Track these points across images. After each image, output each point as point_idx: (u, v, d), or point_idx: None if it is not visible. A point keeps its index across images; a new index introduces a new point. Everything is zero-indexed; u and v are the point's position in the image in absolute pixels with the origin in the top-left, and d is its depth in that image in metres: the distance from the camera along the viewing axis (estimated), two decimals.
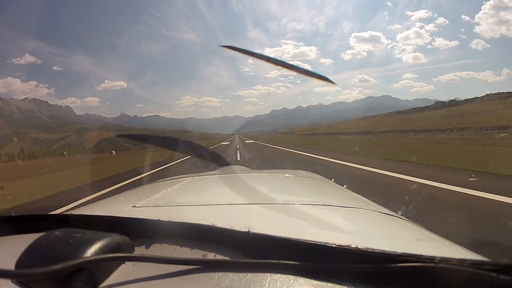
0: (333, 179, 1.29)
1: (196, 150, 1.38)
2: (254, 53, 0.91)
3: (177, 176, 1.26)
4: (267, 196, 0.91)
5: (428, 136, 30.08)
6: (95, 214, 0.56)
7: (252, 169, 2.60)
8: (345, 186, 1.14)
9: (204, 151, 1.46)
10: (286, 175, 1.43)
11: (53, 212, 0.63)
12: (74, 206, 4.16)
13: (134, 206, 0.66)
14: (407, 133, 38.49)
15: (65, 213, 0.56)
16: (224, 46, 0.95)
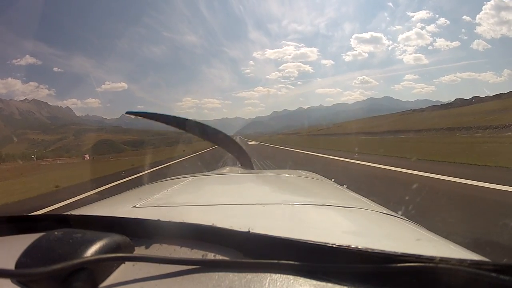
0: (333, 179, 1.26)
1: (209, 134, 1.39)
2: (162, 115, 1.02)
3: (177, 176, 1.26)
4: (267, 196, 0.91)
5: (495, 134, 24.50)
6: (95, 214, 0.56)
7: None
8: (345, 186, 1.12)
9: (223, 138, 1.50)
10: (286, 175, 1.43)
11: (52, 213, 0.54)
12: None
13: (134, 206, 0.66)
14: (456, 131, 32.95)
15: (65, 213, 0.57)
16: (130, 113, 1.14)
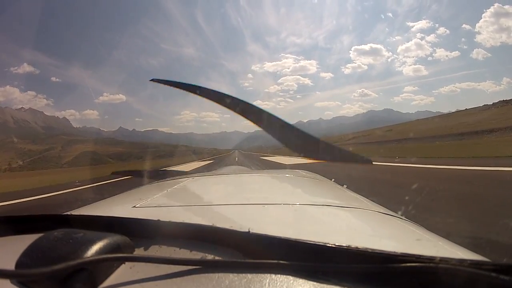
0: (333, 179, 1.25)
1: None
2: (193, 86, 0.78)
3: (177, 176, 1.26)
4: (267, 196, 0.91)
5: None
6: (95, 214, 0.56)
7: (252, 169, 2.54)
8: (345, 186, 1.12)
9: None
10: (286, 175, 1.42)
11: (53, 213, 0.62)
12: None
13: (134, 207, 0.67)
14: None
15: (65, 213, 0.57)
16: (154, 81, 0.87)
